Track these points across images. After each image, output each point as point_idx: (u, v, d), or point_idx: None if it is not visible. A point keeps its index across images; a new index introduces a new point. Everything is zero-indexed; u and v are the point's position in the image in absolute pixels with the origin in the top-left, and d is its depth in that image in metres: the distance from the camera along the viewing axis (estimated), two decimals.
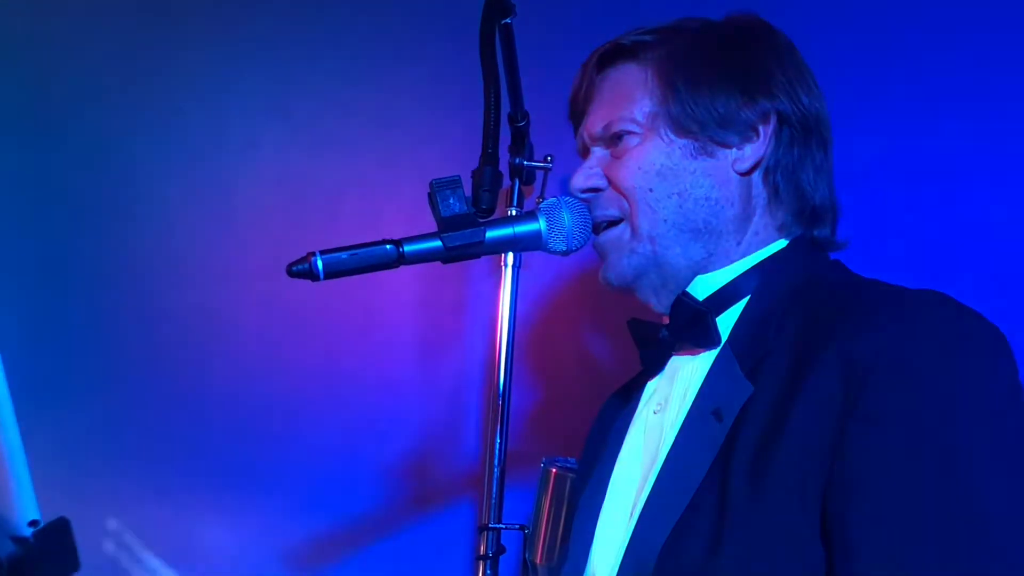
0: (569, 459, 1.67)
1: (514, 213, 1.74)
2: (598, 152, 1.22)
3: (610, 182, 1.19)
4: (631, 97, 1.17)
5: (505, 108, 1.55)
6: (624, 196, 1.16)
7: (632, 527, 1.07)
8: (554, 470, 1.65)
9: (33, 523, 0.69)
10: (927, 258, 1.71)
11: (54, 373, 2.24)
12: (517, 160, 1.73)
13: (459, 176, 1.15)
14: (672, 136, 1.14)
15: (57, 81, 2.35)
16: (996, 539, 0.88)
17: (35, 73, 2.37)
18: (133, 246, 2.26)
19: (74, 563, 0.69)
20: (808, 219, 1.17)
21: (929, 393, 0.92)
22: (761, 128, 1.14)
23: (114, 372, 2.23)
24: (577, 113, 1.28)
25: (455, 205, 1.13)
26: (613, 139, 1.19)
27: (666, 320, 1.18)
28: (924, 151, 1.74)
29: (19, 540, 0.67)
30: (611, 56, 1.22)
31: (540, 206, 1.20)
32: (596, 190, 1.20)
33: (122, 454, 2.18)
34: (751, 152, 1.14)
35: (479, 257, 1.17)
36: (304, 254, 1.09)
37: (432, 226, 1.14)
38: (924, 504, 0.89)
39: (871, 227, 1.69)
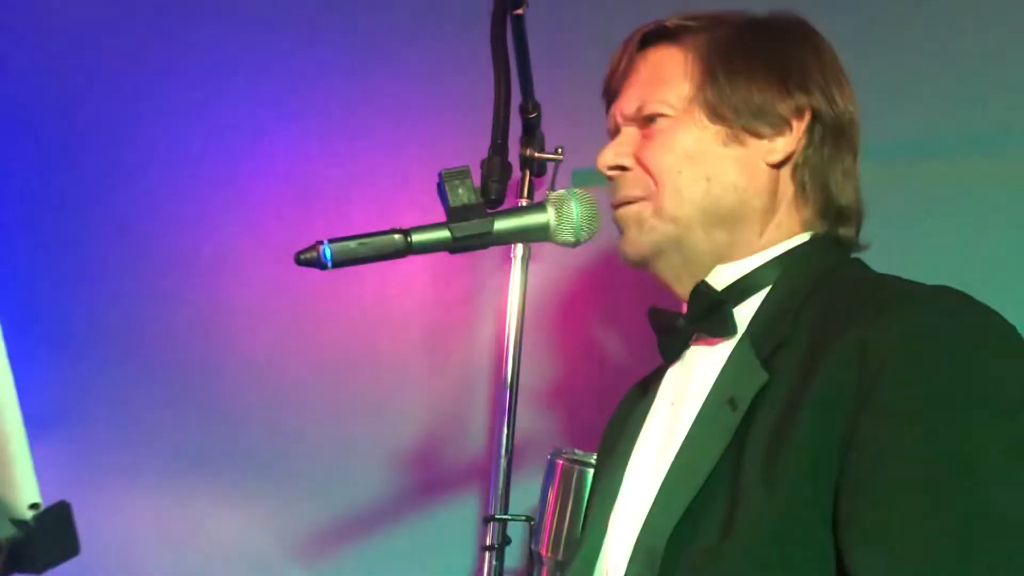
0: (576, 451, 1.67)
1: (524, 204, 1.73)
2: (628, 132, 1.21)
3: (638, 162, 1.17)
4: (668, 79, 1.17)
5: (516, 100, 1.55)
6: (651, 177, 1.15)
7: (645, 514, 1.07)
8: (561, 461, 1.65)
9: (34, 506, 0.69)
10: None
11: (62, 361, 2.25)
12: (528, 152, 1.73)
13: (468, 167, 1.15)
14: (706, 121, 1.14)
15: (68, 69, 2.36)
16: (1009, 540, 0.87)
17: (48, 60, 2.38)
18: (142, 235, 2.27)
19: (74, 547, 0.69)
20: (832, 218, 1.17)
21: (944, 388, 0.91)
22: (795, 122, 1.14)
23: (122, 361, 2.24)
24: (612, 91, 1.26)
25: (464, 195, 1.13)
26: (645, 120, 1.18)
27: (684, 309, 1.18)
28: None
29: (19, 523, 0.67)
30: (653, 37, 1.21)
31: (549, 197, 1.19)
32: (623, 168, 1.19)
33: (128, 441, 2.19)
34: (783, 145, 1.14)
35: (487, 247, 1.17)
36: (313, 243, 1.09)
37: (442, 216, 1.14)
38: (935, 502, 0.88)
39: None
